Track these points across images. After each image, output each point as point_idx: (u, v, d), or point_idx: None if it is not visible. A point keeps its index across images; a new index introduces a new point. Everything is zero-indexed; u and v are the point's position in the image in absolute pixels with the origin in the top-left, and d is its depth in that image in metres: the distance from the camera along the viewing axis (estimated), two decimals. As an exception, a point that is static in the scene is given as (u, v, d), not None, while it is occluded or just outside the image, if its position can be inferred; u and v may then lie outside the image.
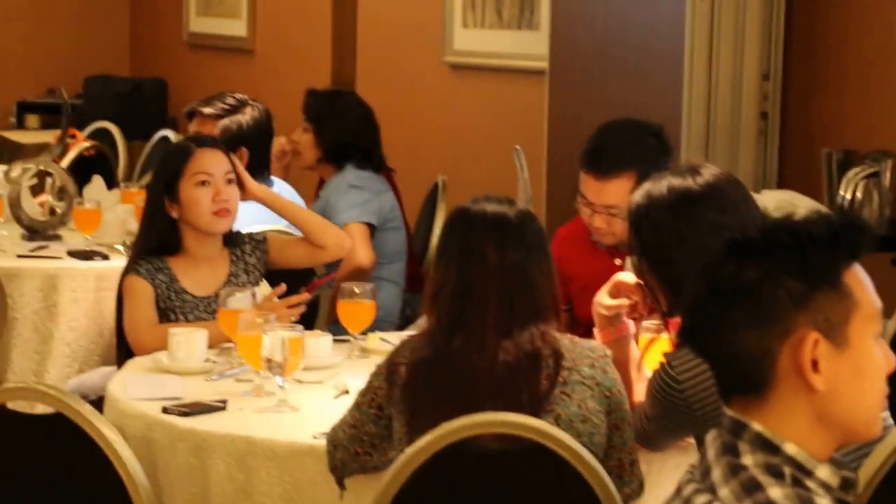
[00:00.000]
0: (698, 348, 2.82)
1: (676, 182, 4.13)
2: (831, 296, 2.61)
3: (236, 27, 11.45)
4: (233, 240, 5.53)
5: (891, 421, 3.72)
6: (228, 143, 6.09)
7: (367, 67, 10.33)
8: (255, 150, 6.51)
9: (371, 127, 7.04)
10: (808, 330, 2.59)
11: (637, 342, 4.37)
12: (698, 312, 2.76)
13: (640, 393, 4.17)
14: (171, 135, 7.21)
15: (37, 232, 7.02)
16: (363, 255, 6.51)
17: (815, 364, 2.59)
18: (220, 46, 11.55)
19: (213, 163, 5.41)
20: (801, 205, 4.64)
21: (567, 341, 4.00)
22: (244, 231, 5.64)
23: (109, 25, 12.54)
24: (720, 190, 4.12)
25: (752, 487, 2.59)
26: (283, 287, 5.24)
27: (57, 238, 7.04)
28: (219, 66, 11.13)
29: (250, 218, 5.84)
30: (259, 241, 5.55)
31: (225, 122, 6.55)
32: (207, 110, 6.65)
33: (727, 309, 2.67)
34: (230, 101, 6.65)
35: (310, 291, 5.30)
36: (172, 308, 5.33)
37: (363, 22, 10.51)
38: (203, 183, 5.36)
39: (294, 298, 5.23)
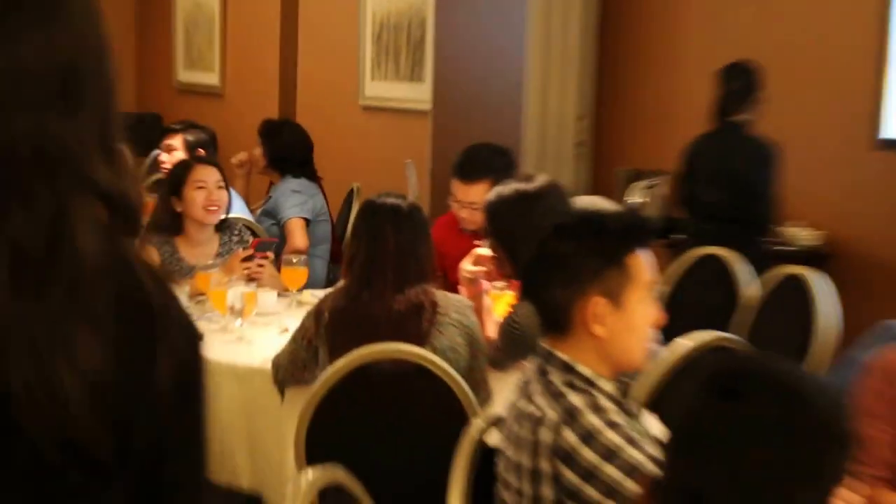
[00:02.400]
0: (529, 300, 2.86)
1: (518, 186, 4.15)
2: (616, 272, 2.66)
3: (211, 77, 11.42)
4: (223, 228, 5.52)
5: (659, 347, 3.79)
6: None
7: (304, 107, 10.31)
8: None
9: (304, 146, 7.07)
10: (596, 294, 2.65)
11: (490, 297, 4.39)
12: (530, 275, 2.80)
13: (491, 331, 4.18)
14: (163, 154, 7.25)
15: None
16: (300, 240, 6.55)
17: (598, 318, 2.64)
18: (200, 91, 11.50)
19: (207, 174, 5.41)
20: (604, 206, 4.67)
21: (441, 296, 3.99)
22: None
23: (120, 76, 12.36)
24: (548, 193, 4.14)
25: (559, 396, 2.64)
26: (241, 253, 5.25)
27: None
28: (199, 105, 11.06)
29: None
30: (245, 240, 5.54)
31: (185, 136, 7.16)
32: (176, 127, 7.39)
33: (548, 273, 2.71)
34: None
35: (253, 248, 5.32)
36: (172, 272, 5.31)
37: (301, 74, 10.51)
38: (200, 188, 5.38)
39: (241, 253, 5.24)
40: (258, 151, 7.10)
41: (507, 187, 4.14)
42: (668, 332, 3.68)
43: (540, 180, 4.19)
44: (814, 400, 1.54)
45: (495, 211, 4.13)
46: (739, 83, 6.49)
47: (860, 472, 3.07)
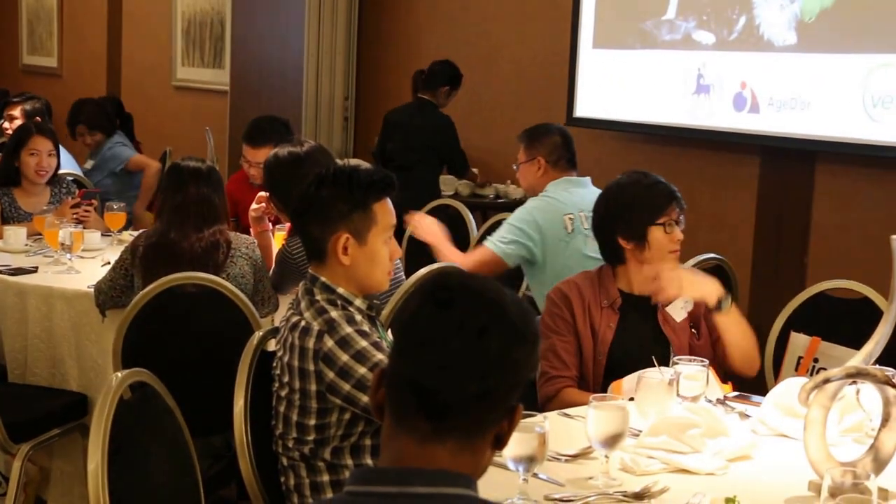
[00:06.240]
0: (298, 235, 2.83)
1: (292, 149, 4.09)
2: (362, 215, 2.65)
3: (50, 61, 11.24)
4: (54, 182, 5.30)
5: (403, 276, 3.81)
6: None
7: (127, 87, 10.17)
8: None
9: (123, 119, 7.10)
10: (344, 231, 2.63)
11: (273, 234, 4.35)
12: (297, 215, 2.77)
13: (273, 260, 4.15)
14: (6, 122, 7.05)
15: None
16: (152, 162, 6.87)
17: (345, 250, 2.62)
18: (41, 72, 11.21)
19: (42, 144, 5.18)
20: (363, 164, 4.65)
21: (234, 235, 3.96)
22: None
23: None
24: (315, 154, 4.09)
25: (322, 311, 2.61)
26: (70, 200, 5.10)
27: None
28: (40, 84, 10.65)
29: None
30: (72, 191, 5.33)
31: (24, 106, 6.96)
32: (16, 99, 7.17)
33: (307, 213, 2.68)
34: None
35: (80, 197, 5.18)
36: (11, 217, 5.12)
37: (125, 60, 10.37)
38: (33, 154, 5.16)
39: (71, 201, 5.11)
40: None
41: (283, 150, 4.09)
42: (414, 266, 3.72)
43: (309, 145, 4.15)
44: (510, 308, 1.55)
45: (273, 168, 4.07)
46: (432, 73, 6.95)
47: (553, 374, 3.15)
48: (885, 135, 5.21)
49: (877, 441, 2.30)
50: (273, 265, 4.08)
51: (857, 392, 2.63)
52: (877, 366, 2.39)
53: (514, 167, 4.54)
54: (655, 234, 3.20)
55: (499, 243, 4.31)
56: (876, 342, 2.36)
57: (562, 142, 4.50)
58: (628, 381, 2.85)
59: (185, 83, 9.57)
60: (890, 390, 2.28)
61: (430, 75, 6.96)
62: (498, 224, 5.17)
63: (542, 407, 3.06)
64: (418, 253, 5.12)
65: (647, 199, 3.23)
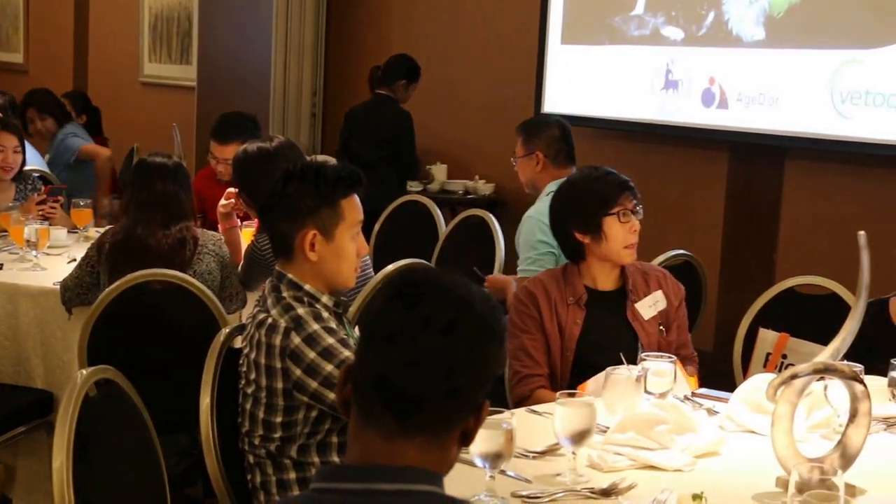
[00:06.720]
0: (266, 230, 2.82)
1: (261, 145, 4.07)
2: (330, 211, 2.63)
3: (17, 57, 11.14)
4: (20, 178, 5.23)
5: (371, 272, 3.79)
6: None
7: (94, 83, 10.15)
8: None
9: (90, 112, 7.04)
10: (312, 227, 2.62)
11: (242, 230, 4.33)
12: (265, 211, 2.75)
13: (241, 256, 4.13)
14: None
15: None
16: (102, 150, 6.85)
17: (312, 246, 2.61)
18: (8, 68, 11.09)
19: (7, 140, 5.12)
20: (330, 160, 4.64)
21: (201, 232, 3.94)
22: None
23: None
24: (284, 150, 4.07)
25: (288, 308, 2.60)
26: (36, 197, 5.07)
27: None
28: (7, 80, 10.54)
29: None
30: (38, 188, 5.27)
31: None
32: None
33: (275, 209, 2.67)
34: None
35: (47, 194, 5.14)
36: None
37: (92, 57, 10.34)
38: None
39: (36, 198, 5.08)
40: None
41: (253, 145, 4.07)
42: (382, 262, 3.70)
43: (278, 141, 4.13)
44: (477, 304, 1.55)
45: (243, 163, 4.05)
46: (388, 67, 6.94)
47: (526, 373, 3.16)
48: (854, 131, 5.25)
49: (844, 437, 2.31)
50: (241, 261, 4.07)
51: (825, 388, 2.65)
52: (845, 361, 2.40)
53: (513, 161, 4.47)
54: (610, 224, 3.21)
55: (528, 268, 4.14)
56: (843, 338, 2.37)
57: (560, 135, 4.41)
58: (594, 381, 2.85)
59: (152, 79, 9.57)
60: (857, 386, 2.30)
61: (386, 70, 6.94)
62: (468, 220, 5.17)
63: (516, 407, 3.06)
64: (388, 249, 5.12)
65: (599, 190, 3.23)
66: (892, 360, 2.75)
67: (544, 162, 4.36)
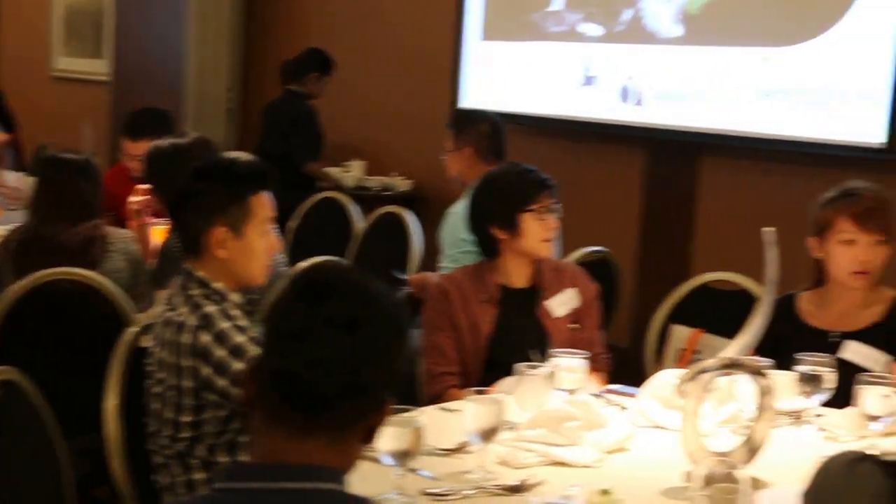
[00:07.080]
0: (176, 227, 2.79)
1: (174, 141, 4.03)
2: (239, 207, 2.60)
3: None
4: None
5: (284, 269, 3.76)
6: None
7: (2, 79, 9.95)
8: None
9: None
10: (221, 224, 2.59)
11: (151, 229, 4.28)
12: (175, 208, 2.72)
13: (151, 254, 4.08)
14: None
15: None
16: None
17: (222, 243, 2.59)
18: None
19: None
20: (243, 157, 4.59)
21: (111, 230, 3.92)
22: None
23: None
24: (198, 146, 4.02)
25: (197, 306, 2.58)
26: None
27: None
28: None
29: None
30: None
31: None
32: None
33: (186, 207, 2.64)
34: None
35: None
36: None
37: (2, 51, 10.09)
38: None
39: None
40: None
41: (165, 142, 4.02)
42: (300, 259, 3.67)
43: (191, 136, 4.09)
44: (382, 301, 1.56)
45: (155, 159, 4.00)
46: (298, 62, 6.91)
47: (439, 371, 3.16)
48: (770, 128, 5.33)
49: (750, 431, 2.34)
50: (152, 259, 4.02)
51: (732, 383, 2.68)
52: (757, 356, 2.43)
53: (442, 157, 4.45)
54: (528, 221, 3.22)
55: (450, 265, 4.08)
56: (750, 333, 2.41)
57: (491, 131, 4.38)
58: (505, 384, 2.85)
59: (64, 73, 9.43)
60: (763, 381, 2.33)
61: (296, 65, 6.91)
62: (385, 217, 5.16)
63: (429, 405, 3.06)
64: (304, 246, 5.09)
65: (518, 187, 3.25)
66: (795, 356, 2.79)
67: (473, 157, 4.34)
